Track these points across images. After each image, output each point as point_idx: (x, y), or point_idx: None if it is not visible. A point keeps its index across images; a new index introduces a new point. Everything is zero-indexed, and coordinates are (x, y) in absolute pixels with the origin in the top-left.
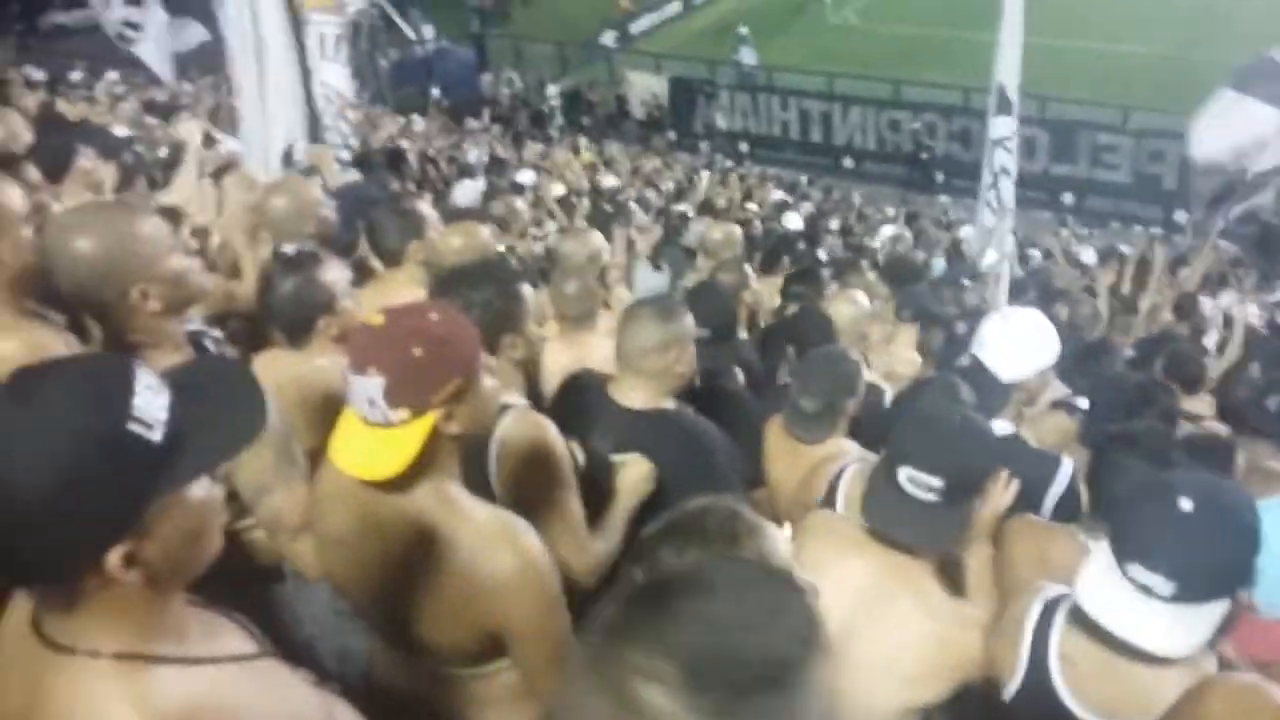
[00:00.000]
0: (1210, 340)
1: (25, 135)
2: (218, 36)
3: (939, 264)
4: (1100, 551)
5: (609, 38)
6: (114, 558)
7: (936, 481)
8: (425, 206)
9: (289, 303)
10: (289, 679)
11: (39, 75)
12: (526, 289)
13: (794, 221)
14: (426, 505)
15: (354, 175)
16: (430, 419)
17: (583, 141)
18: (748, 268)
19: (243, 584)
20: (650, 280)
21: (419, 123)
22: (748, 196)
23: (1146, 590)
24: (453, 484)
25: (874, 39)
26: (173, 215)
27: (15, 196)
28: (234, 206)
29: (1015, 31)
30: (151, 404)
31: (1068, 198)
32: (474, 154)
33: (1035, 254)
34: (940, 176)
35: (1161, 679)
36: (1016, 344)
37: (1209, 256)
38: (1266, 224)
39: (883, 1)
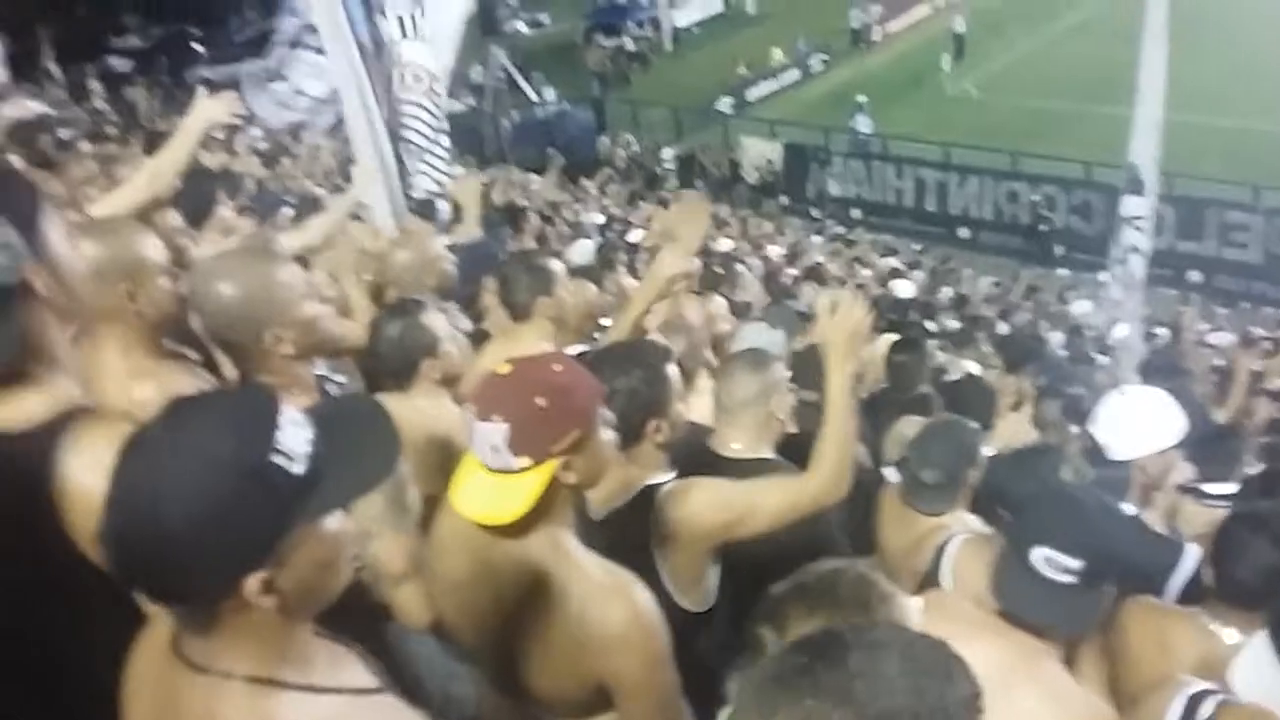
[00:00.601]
0: None
1: (175, 182)
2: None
3: (1056, 337)
4: (1259, 644)
5: (725, 104)
6: (252, 583)
7: (1075, 563)
8: (555, 263)
9: (393, 346)
10: (407, 716)
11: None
12: (672, 370)
13: (904, 290)
14: (541, 553)
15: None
16: (550, 467)
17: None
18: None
19: (354, 619)
20: (763, 338)
21: (536, 181)
22: (859, 263)
23: None
24: (567, 534)
25: (993, 110)
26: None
27: (155, 248)
28: (347, 250)
29: (1151, 111)
30: (295, 438)
31: (1194, 275)
32: (589, 214)
33: (1161, 332)
34: (1060, 250)
35: None
36: (1135, 422)
37: None
38: None
39: (1003, 74)
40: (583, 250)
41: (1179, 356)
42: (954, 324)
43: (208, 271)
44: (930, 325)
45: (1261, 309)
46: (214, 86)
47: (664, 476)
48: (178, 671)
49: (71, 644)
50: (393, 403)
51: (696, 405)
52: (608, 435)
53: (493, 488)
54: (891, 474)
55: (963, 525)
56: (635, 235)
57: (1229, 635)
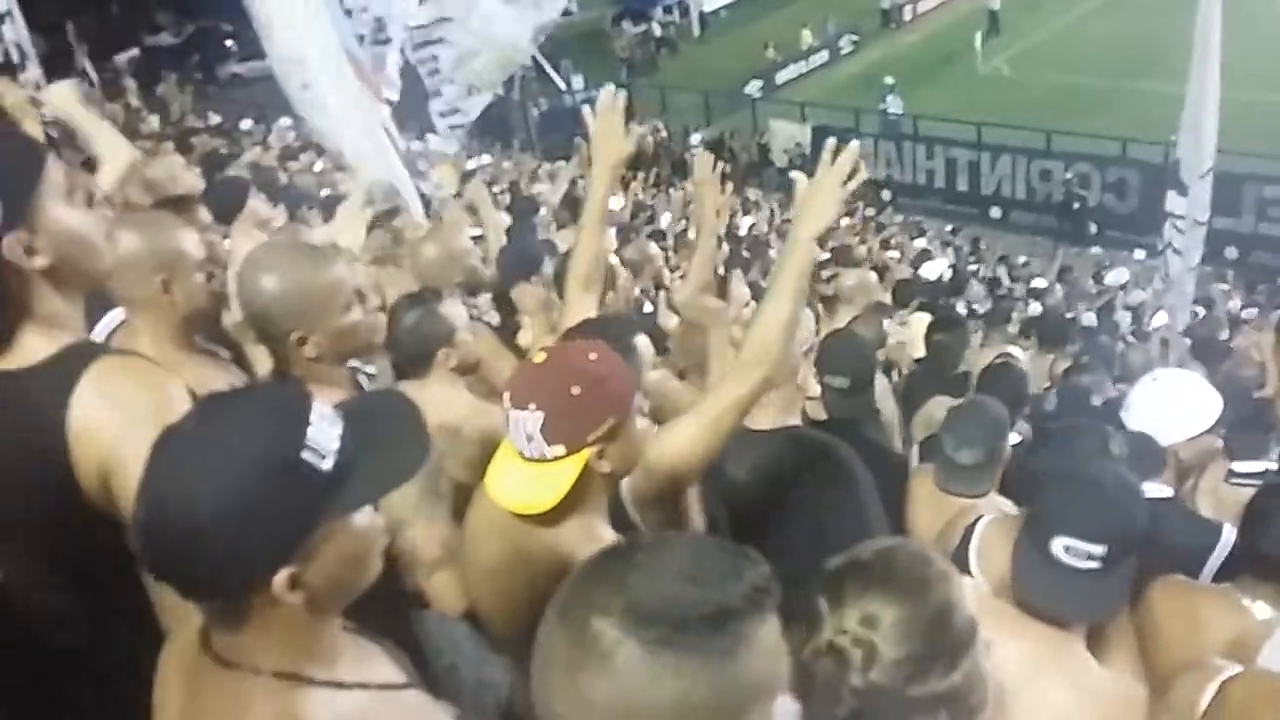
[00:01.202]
0: None
1: (189, 179)
2: None
3: (1089, 317)
4: None
5: (754, 87)
6: (281, 579)
7: (1098, 549)
8: (614, 259)
9: (409, 334)
10: (434, 711)
11: (216, 120)
12: (642, 341)
13: (933, 270)
14: (575, 541)
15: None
16: (584, 456)
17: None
18: (888, 323)
19: (388, 608)
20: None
21: (565, 168)
22: (887, 245)
23: None
24: (601, 522)
25: (1025, 88)
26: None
27: (192, 242)
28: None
29: (1198, 116)
30: (325, 434)
31: (1231, 252)
32: (616, 200)
33: (1198, 310)
34: (1094, 227)
35: None
36: (1167, 409)
37: None
38: None
39: (1036, 51)
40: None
41: (1213, 334)
42: (984, 305)
43: (255, 261)
44: (960, 307)
45: None
46: (246, 82)
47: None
48: (206, 667)
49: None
50: (410, 390)
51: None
52: (643, 423)
53: (528, 476)
54: (913, 456)
55: (993, 507)
56: (663, 220)
57: (1260, 610)
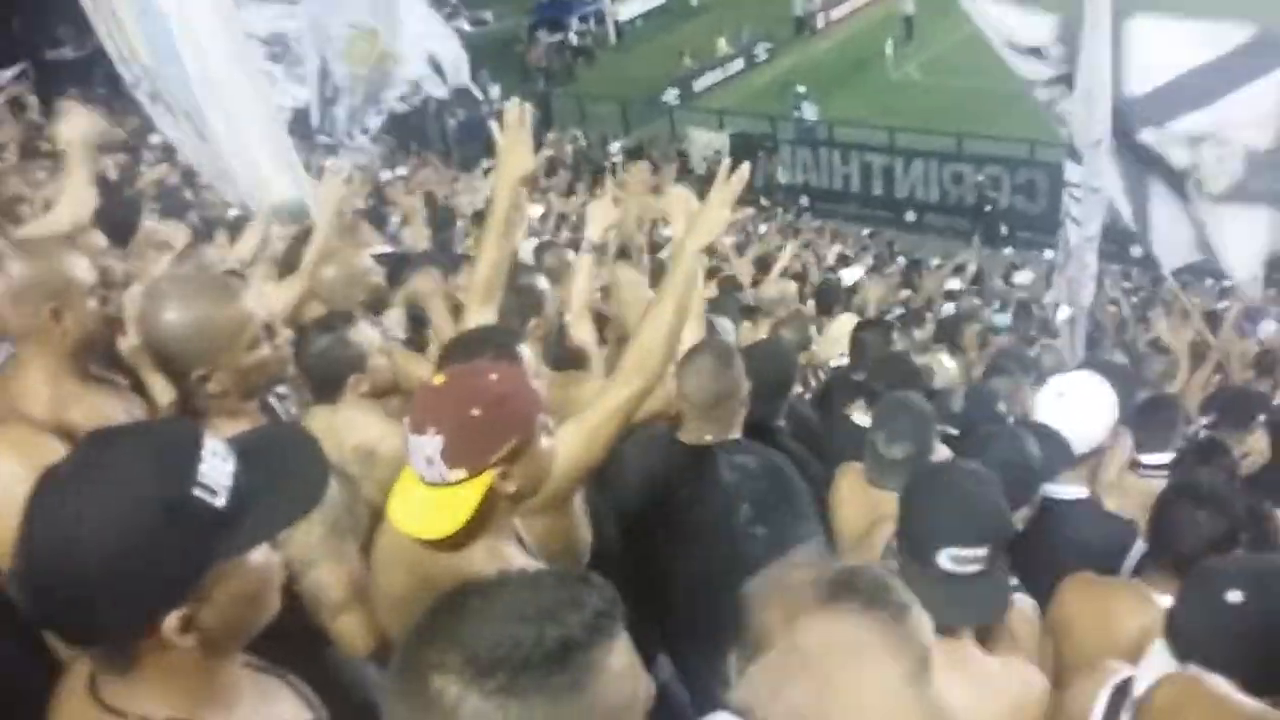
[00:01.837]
0: None
1: (91, 202)
2: None
3: (1002, 319)
4: (1160, 649)
5: (672, 95)
6: (171, 621)
7: (982, 551)
8: (543, 281)
9: (319, 361)
10: None
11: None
12: (525, 351)
13: (850, 275)
14: (482, 566)
15: None
16: (487, 478)
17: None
18: (813, 329)
19: (301, 645)
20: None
21: (483, 179)
22: (807, 249)
23: None
24: (508, 544)
25: (937, 93)
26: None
27: (82, 268)
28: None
29: (1090, 84)
30: (217, 470)
31: (1136, 250)
32: (535, 209)
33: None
34: (1005, 229)
35: None
36: (1069, 421)
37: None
38: None
39: (946, 56)
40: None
41: (1120, 331)
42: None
43: (158, 293)
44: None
45: (1204, 280)
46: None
47: None
48: (95, 717)
49: None
50: (321, 414)
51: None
52: (548, 442)
53: (429, 501)
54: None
55: None
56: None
57: (1167, 602)
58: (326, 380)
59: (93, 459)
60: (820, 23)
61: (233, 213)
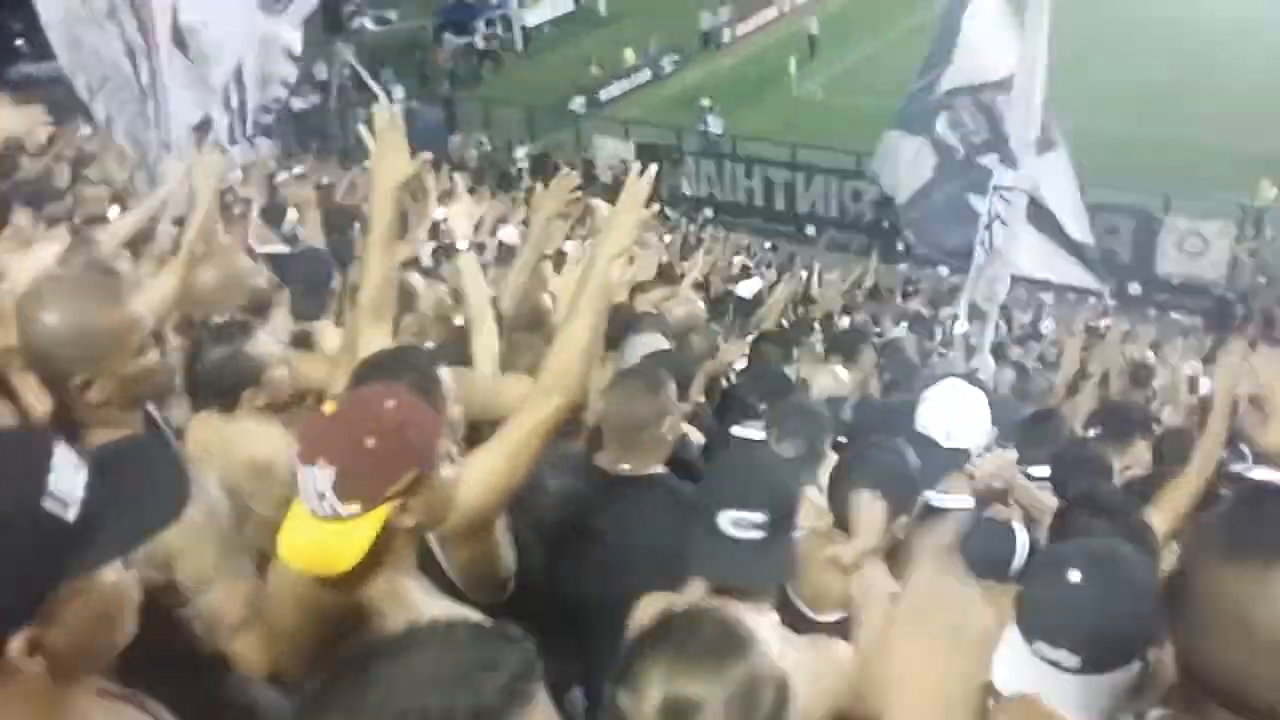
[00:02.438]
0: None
1: None
2: None
3: (898, 332)
4: (1011, 631)
5: (578, 103)
6: (17, 644)
7: (760, 517)
8: (416, 278)
9: (214, 374)
10: None
11: None
12: (444, 375)
13: (749, 288)
14: (380, 603)
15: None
16: (383, 512)
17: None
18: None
19: (196, 670)
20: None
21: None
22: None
23: (1056, 665)
24: (407, 579)
25: (838, 111)
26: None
27: None
28: None
29: (1028, 84)
30: (68, 481)
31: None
32: (440, 211)
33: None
34: (902, 245)
35: None
36: (947, 425)
37: None
38: (1220, 298)
39: (847, 75)
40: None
41: (1011, 346)
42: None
43: (37, 295)
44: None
45: (1086, 299)
46: (39, 84)
47: None
48: None
49: None
50: (217, 424)
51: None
52: (450, 471)
53: (321, 536)
54: None
55: (810, 500)
56: (504, 233)
57: None
58: (221, 393)
59: None
60: (726, 38)
61: (114, 211)
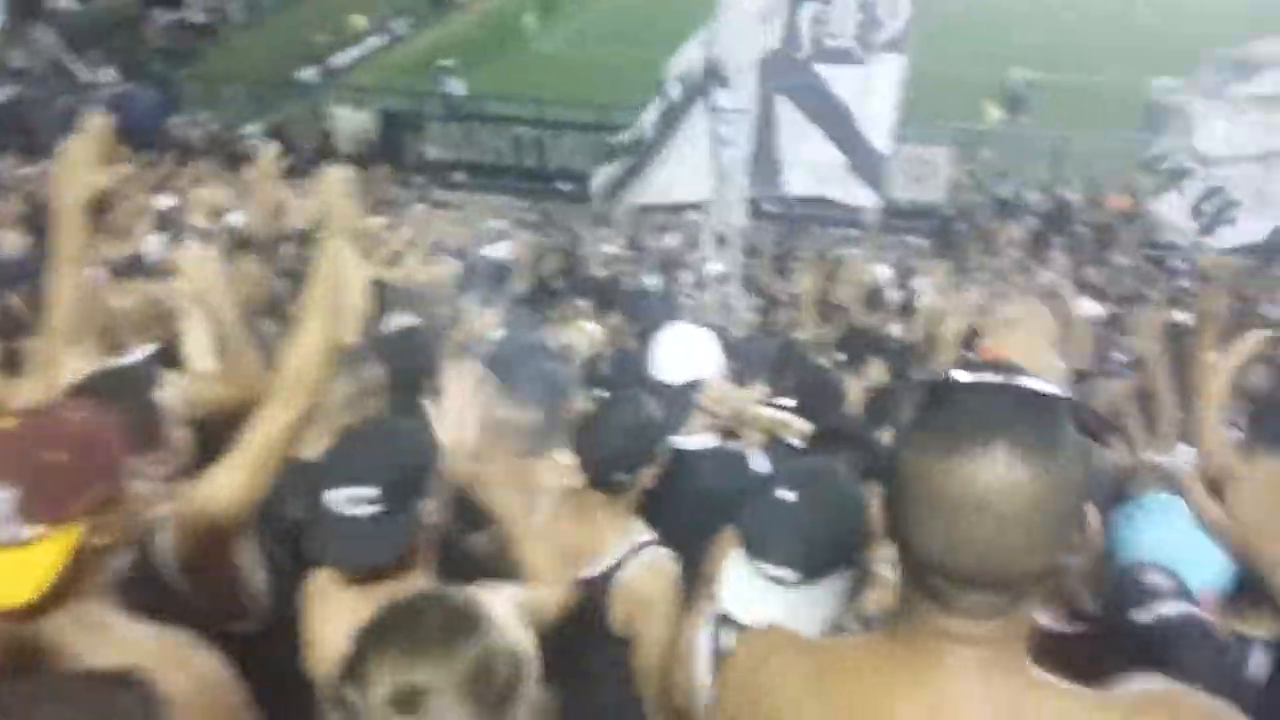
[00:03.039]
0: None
1: None
2: None
3: (651, 280)
4: (736, 557)
5: (310, 74)
6: None
7: (372, 491)
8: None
9: None
10: None
11: None
12: (168, 396)
13: (499, 251)
14: (69, 634)
15: None
16: (73, 533)
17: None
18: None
19: None
20: None
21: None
22: (463, 225)
23: (780, 581)
24: (102, 607)
25: (581, 65)
26: None
27: None
28: None
29: (734, 10)
30: None
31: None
32: (161, 198)
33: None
34: None
35: None
36: (674, 359)
37: None
38: (945, 219)
39: (588, 28)
40: (155, 244)
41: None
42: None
43: None
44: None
45: (828, 228)
46: None
47: None
48: None
49: None
50: None
51: None
52: (141, 486)
53: (2, 565)
54: None
55: (555, 470)
56: (234, 218)
57: None
58: None
59: None
60: None
61: None
